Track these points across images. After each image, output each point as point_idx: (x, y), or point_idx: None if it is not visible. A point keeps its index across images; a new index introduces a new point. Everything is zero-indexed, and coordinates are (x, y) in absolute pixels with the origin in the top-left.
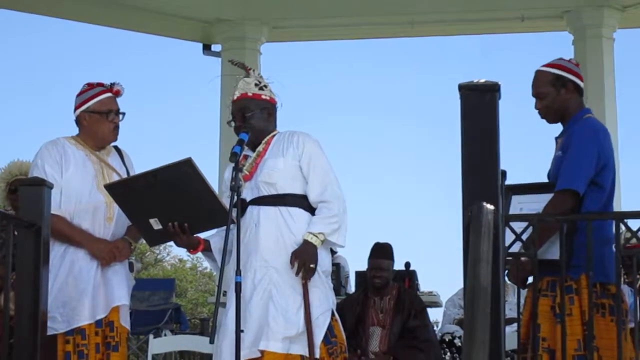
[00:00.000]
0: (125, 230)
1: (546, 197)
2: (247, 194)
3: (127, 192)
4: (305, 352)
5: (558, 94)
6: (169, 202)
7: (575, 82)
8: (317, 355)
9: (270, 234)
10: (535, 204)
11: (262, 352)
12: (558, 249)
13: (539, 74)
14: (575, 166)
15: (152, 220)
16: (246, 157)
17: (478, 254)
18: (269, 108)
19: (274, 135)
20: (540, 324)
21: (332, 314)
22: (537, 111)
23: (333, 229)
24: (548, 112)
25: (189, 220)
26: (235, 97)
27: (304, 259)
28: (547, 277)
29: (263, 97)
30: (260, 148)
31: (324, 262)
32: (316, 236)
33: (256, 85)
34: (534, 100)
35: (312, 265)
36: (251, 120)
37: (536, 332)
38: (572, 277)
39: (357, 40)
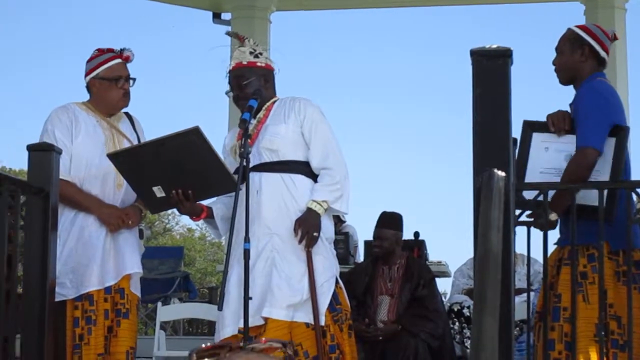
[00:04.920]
0: (135, 197)
1: (575, 139)
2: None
3: (131, 160)
4: (309, 319)
5: (573, 54)
6: (174, 169)
7: (594, 48)
8: (323, 323)
9: (273, 201)
10: (566, 144)
11: (265, 319)
12: (591, 194)
13: (566, 31)
14: (588, 125)
15: (155, 188)
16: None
17: (489, 221)
18: (266, 75)
19: (274, 102)
20: (561, 293)
21: (336, 282)
22: (553, 67)
23: (336, 196)
24: (560, 69)
25: (194, 187)
26: (231, 67)
27: (307, 227)
28: (569, 245)
29: (258, 64)
30: (261, 114)
31: (327, 229)
32: (320, 204)
33: (251, 53)
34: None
35: (315, 234)
36: (247, 89)
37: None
38: (595, 244)
39: (368, 9)
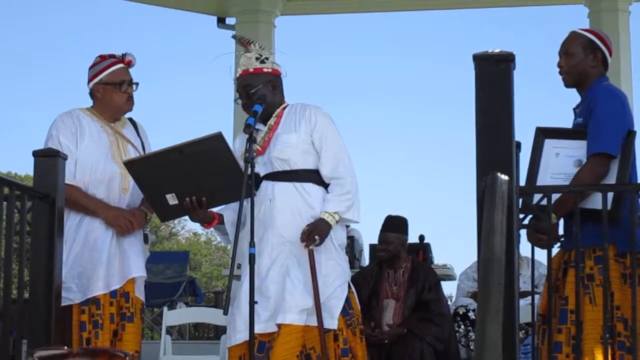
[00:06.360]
0: (141, 201)
1: (585, 144)
2: (260, 168)
3: (147, 168)
4: (322, 322)
5: (585, 58)
6: (190, 177)
7: (604, 54)
8: (336, 327)
9: (286, 209)
10: (575, 150)
11: (279, 325)
12: (599, 199)
13: (573, 34)
14: (605, 128)
15: (168, 196)
16: (257, 130)
17: (492, 225)
18: (273, 80)
19: (284, 108)
20: (567, 295)
21: (349, 286)
22: (558, 69)
23: (347, 206)
24: (569, 72)
25: (209, 194)
26: (237, 75)
27: (315, 232)
28: (574, 248)
29: (265, 70)
30: (271, 122)
31: (340, 236)
32: (332, 215)
33: (257, 59)
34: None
35: (317, 241)
36: (255, 96)
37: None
38: (601, 247)
39: (372, 13)
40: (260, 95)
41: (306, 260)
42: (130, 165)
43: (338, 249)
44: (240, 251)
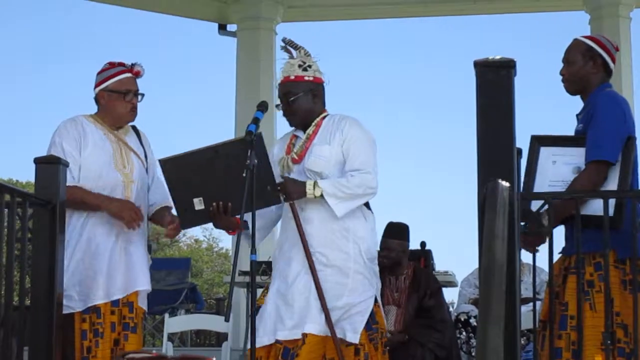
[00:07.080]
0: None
1: (583, 152)
2: (295, 177)
3: (180, 168)
4: (343, 335)
5: (584, 65)
6: (220, 180)
7: (605, 60)
8: (357, 341)
9: (316, 220)
10: (572, 157)
11: (304, 334)
12: (600, 205)
13: (574, 42)
14: (604, 135)
15: (195, 200)
16: (296, 137)
17: (493, 231)
18: (314, 89)
19: (324, 117)
20: (567, 301)
21: (375, 300)
22: (560, 77)
23: (338, 196)
24: (569, 80)
25: (235, 199)
26: (279, 81)
27: (284, 189)
28: (574, 254)
29: (306, 78)
30: (310, 131)
31: (370, 249)
32: (314, 188)
33: (300, 66)
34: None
35: (282, 197)
36: (295, 105)
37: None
38: (601, 253)
39: (373, 20)
40: (292, 107)
41: (334, 272)
42: (164, 163)
43: (367, 263)
44: (273, 257)
